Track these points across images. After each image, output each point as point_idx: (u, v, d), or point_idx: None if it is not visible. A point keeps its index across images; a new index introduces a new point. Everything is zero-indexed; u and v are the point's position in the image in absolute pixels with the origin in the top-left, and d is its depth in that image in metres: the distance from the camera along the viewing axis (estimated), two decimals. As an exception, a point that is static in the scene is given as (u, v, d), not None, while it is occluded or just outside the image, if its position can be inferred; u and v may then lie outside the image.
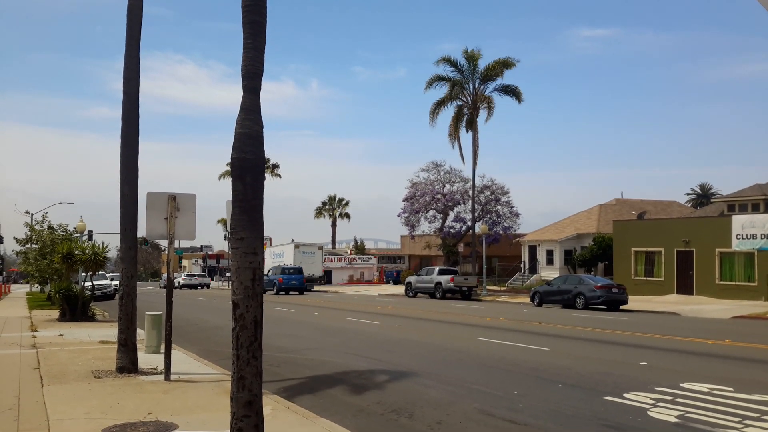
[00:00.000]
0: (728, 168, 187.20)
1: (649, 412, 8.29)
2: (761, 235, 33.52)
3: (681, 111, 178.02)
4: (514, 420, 8.08)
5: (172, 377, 10.50)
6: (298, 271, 50.28)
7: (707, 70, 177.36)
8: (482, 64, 47.62)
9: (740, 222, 34.98)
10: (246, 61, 6.16)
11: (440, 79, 48.54)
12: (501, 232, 55.57)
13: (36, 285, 41.79)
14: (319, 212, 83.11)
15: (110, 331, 17.04)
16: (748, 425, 7.54)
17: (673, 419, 7.93)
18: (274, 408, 8.28)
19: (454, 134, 48.85)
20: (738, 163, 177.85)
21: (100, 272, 34.53)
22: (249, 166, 5.99)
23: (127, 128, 11.87)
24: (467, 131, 48.61)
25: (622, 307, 30.36)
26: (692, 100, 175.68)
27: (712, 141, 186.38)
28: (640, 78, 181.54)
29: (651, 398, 9.09)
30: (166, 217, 10.82)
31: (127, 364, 11.23)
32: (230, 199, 6.19)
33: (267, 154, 72.91)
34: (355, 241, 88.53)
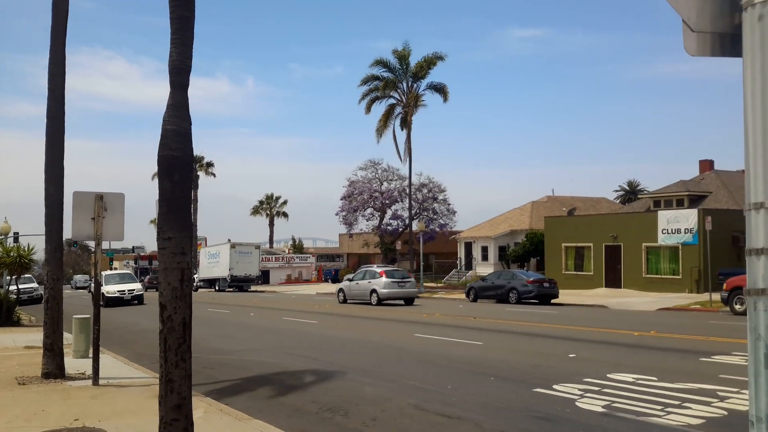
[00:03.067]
0: (655, 165, 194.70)
1: (577, 403, 8.56)
2: (685, 229, 34.97)
3: (610, 110, 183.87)
4: (447, 414, 8.21)
5: (101, 382, 10.21)
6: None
7: (635, 70, 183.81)
8: (413, 62, 48.09)
9: (665, 217, 36.41)
10: (173, 56, 6.05)
11: (374, 78, 48.88)
12: (438, 229, 56.18)
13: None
14: (255, 211, 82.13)
15: (36, 336, 16.40)
16: (670, 412, 7.87)
17: (600, 409, 8.21)
18: (206, 410, 8.16)
19: (381, 129, 49.32)
20: (664, 160, 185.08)
21: (27, 275, 33.23)
22: (177, 164, 5.88)
23: (52, 126, 11.48)
24: (402, 129, 49.03)
25: (553, 300, 31.16)
26: (621, 98, 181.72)
27: (640, 139, 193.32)
28: (570, 77, 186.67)
29: (579, 389, 9.38)
30: (93, 217, 10.50)
31: (54, 370, 10.86)
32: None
33: (202, 153, 70.36)
34: (293, 240, 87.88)
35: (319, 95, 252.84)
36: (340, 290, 34.52)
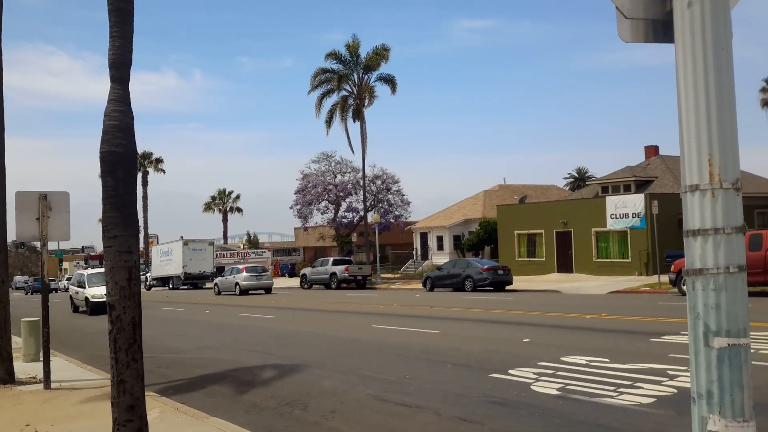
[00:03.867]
0: (603, 152, 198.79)
1: (532, 387, 8.71)
2: (632, 214, 35.87)
3: (558, 98, 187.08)
4: (406, 403, 8.26)
5: (53, 385, 9.95)
6: None
7: (582, 59, 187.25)
8: (363, 53, 48.08)
9: (613, 202, 37.28)
10: (113, 50, 5.91)
11: (325, 71, 48.80)
12: (393, 220, 56.33)
13: None
14: (208, 207, 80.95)
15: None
16: (622, 392, 8.07)
17: (555, 392, 8.37)
18: (162, 410, 8.03)
19: (330, 120, 49.33)
20: (611, 147, 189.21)
21: None
22: (120, 160, 5.75)
23: (-9, 124, 11.07)
24: (354, 121, 49.01)
25: (507, 287, 31.66)
26: (569, 87, 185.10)
27: (588, 127, 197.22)
28: (519, 67, 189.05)
29: (534, 373, 9.54)
30: (37, 217, 10.20)
31: (3, 375, 10.55)
32: None
33: (150, 149, 69.11)
34: (248, 235, 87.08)
35: (270, 88, 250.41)
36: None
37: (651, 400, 7.65)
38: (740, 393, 2.15)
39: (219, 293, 40.92)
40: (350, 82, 48.96)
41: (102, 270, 30.11)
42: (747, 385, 2.17)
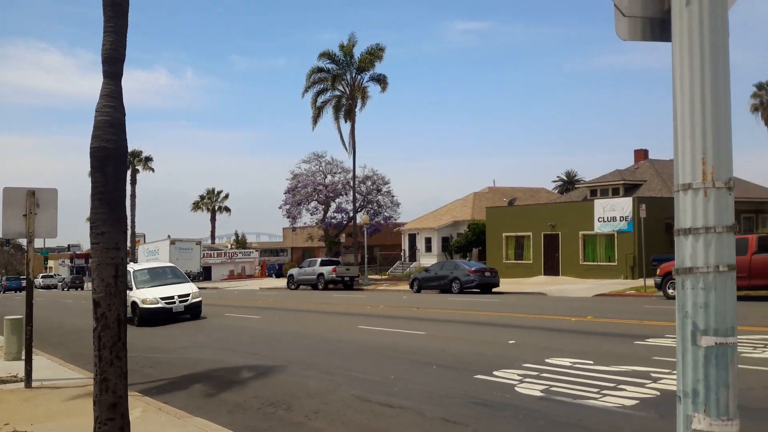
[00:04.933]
0: (592, 155, 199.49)
1: (516, 388, 8.74)
2: (620, 217, 36.04)
3: (550, 101, 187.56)
4: (390, 404, 8.27)
5: (34, 384, 9.88)
6: None
7: (574, 62, 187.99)
8: (357, 54, 48.11)
9: (601, 206, 37.44)
10: (106, 45, 5.89)
11: (320, 70, 48.73)
12: (382, 221, 56.31)
13: None
14: (196, 206, 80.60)
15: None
16: (605, 395, 8.11)
17: (539, 393, 8.41)
18: (144, 409, 8.00)
19: (315, 118, 49.50)
20: (601, 150, 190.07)
21: None
22: (110, 156, 5.73)
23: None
24: (346, 121, 48.97)
25: (494, 289, 31.73)
26: (560, 90, 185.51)
27: (578, 130, 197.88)
28: (512, 70, 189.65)
29: (518, 374, 9.58)
30: (25, 214, 10.13)
31: (-18, 374, 10.45)
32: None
33: (140, 147, 68.80)
34: (236, 235, 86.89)
35: (262, 88, 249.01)
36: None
37: (634, 402, 7.70)
38: (726, 392, 2.17)
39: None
40: (344, 82, 48.97)
41: (140, 267, 23.76)
42: (732, 384, 2.19)
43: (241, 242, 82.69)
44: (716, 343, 2.18)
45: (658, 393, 8.02)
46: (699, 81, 2.24)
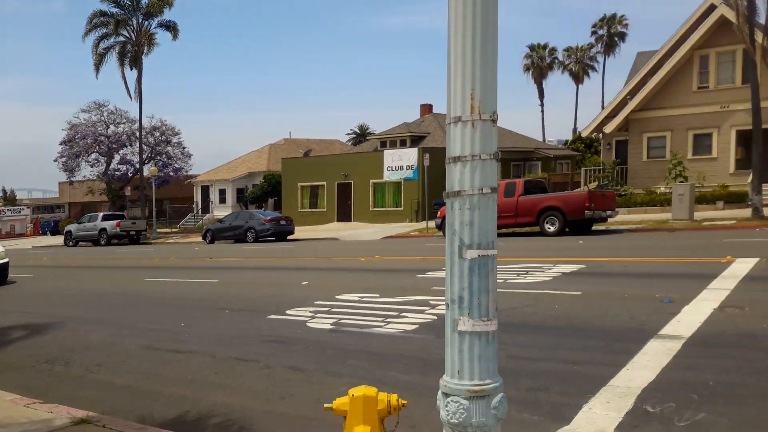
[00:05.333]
0: (383, 110, 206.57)
1: (308, 324, 8.96)
2: (407, 166, 37.96)
3: (345, 58, 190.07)
4: (180, 350, 8.07)
5: None
6: None
7: (366, 21, 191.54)
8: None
9: (390, 156, 39.15)
10: None
11: (103, 13, 45.19)
12: (172, 173, 53.86)
13: None
14: (-50, 160, 70.93)
15: None
16: (389, 322, 8.61)
17: (329, 326, 8.70)
18: None
19: (98, 65, 46.05)
20: (391, 105, 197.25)
21: None
22: None
23: None
24: (132, 69, 45.96)
25: (289, 237, 32.08)
26: (354, 48, 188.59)
27: (370, 86, 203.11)
28: (309, 27, 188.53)
29: (310, 311, 9.81)
30: None
31: None
32: None
33: None
34: (3, 191, 78.01)
35: (34, 33, 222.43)
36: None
37: (415, 326, 8.27)
38: (486, 297, 2.40)
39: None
40: (129, 27, 45.72)
41: None
42: (492, 290, 2.43)
43: (9, 199, 74.46)
44: (479, 255, 2.39)
45: (436, 317, 8.68)
46: (471, 23, 2.38)
